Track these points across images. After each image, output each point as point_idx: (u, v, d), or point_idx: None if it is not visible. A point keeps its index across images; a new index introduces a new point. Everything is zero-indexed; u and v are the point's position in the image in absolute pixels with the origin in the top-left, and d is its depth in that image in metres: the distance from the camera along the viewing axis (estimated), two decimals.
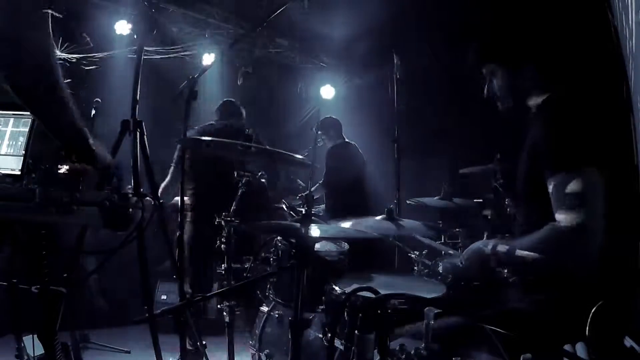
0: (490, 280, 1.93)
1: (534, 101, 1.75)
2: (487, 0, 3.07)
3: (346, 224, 2.10)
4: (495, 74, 1.80)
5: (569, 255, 1.49)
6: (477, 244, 1.75)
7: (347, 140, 4.55)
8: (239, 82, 5.75)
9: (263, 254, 2.84)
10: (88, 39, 4.99)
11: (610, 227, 1.44)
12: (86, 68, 5.20)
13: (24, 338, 2.22)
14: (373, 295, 1.50)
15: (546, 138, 1.59)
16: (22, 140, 2.09)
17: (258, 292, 3.11)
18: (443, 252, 2.65)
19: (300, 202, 4.13)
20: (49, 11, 1.32)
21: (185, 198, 3.42)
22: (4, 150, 2.10)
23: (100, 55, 5.33)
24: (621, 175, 1.64)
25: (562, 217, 1.47)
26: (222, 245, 2.79)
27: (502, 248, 1.62)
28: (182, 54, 5.81)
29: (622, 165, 1.78)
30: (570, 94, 1.67)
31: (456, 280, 2.16)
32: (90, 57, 5.43)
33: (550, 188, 1.52)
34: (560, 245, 1.49)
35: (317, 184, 4.43)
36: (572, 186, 1.46)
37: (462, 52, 1.95)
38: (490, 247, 1.65)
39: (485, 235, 2.67)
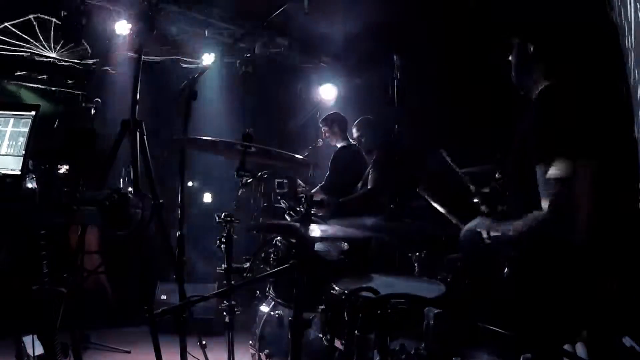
0: (482, 259, 1.96)
1: (535, 90, 1.78)
2: None
3: (346, 224, 2.10)
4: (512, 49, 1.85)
5: (550, 241, 1.52)
6: (472, 224, 1.79)
7: (351, 142, 4.51)
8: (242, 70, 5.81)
9: (263, 254, 2.83)
10: (87, 45, 5.00)
11: (608, 219, 1.46)
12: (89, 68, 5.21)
13: (24, 338, 2.22)
14: (373, 295, 1.50)
15: (536, 127, 1.62)
16: (22, 140, 2.09)
17: (258, 292, 3.11)
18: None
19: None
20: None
21: None
22: (4, 150, 2.10)
23: (99, 55, 5.34)
24: (619, 167, 1.65)
25: (544, 204, 1.51)
26: (222, 245, 2.79)
27: (494, 231, 1.67)
28: (181, 54, 5.82)
29: (621, 157, 1.79)
30: (564, 85, 1.69)
31: (456, 275, 2.17)
32: (89, 57, 5.45)
33: (538, 175, 1.55)
34: (540, 230, 1.51)
35: (318, 186, 4.41)
36: (554, 174, 1.49)
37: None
38: (483, 228, 1.71)
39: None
